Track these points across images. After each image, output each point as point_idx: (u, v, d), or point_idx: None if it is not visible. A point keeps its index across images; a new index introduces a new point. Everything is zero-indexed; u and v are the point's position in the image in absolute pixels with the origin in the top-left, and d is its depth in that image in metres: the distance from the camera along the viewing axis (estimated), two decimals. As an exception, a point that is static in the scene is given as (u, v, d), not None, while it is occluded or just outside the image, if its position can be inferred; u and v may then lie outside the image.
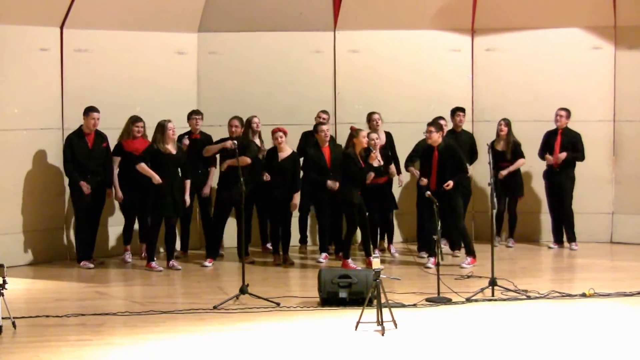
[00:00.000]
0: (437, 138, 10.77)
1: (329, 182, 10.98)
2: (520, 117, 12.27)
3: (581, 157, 11.88)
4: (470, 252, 10.90)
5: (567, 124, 11.86)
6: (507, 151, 11.94)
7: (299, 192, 11.13)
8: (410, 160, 11.45)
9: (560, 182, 11.87)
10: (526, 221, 12.41)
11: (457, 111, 11.96)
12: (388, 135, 11.64)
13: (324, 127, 11.25)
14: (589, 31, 12.43)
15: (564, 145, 11.80)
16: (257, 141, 11.64)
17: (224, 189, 11.01)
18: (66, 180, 11.16)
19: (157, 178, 10.55)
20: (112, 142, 11.21)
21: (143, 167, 10.61)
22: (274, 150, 11.11)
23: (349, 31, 12.47)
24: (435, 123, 10.96)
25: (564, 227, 12.01)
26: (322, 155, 11.17)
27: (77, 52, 11.48)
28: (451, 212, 10.70)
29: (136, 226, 11.43)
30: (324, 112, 11.75)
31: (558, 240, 12.07)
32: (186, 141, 11.29)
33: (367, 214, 10.81)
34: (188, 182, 10.87)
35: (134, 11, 11.65)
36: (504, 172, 11.90)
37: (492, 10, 12.48)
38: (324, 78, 12.51)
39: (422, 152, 11.13)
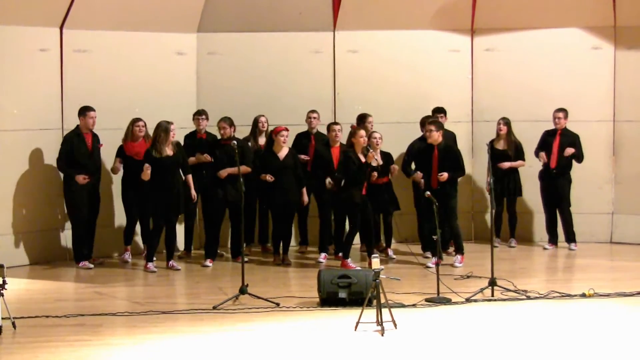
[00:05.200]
0: (437, 137, 10.74)
1: (328, 180, 10.96)
2: (519, 117, 12.26)
3: (581, 159, 11.86)
4: (461, 250, 10.89)
5: (566, 124, 11.85)
6: (508, 150, 11.92)
7: (305, 188, 11.11)
8: (408, 166, 11.28)
9: (557, 184, 11.84)
10: (525, 221, 12.40)
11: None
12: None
13: (336, 127, 11.20)
14: (588, 31, 12.42)
15: (563, 146, 11.78)
16: (263, 140, 11.59)
17: (217, 189, 10.99)
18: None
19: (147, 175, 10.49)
20: (111, 143, 11.20)
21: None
22: (270, 150, 11.06)
23: (349, 31, 12.45)
24: (436, 122, 10.93)
25: (562, 228, 11.98)
26: (330, 155, 11.12)
27: (76, 52, 11.48)
28: (448, 211, 10.69)
29: (138, 228, 11.42)
30: (314, 111, 11.71)
31: (553, 241, 12.04)
32: None
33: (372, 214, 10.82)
34: (190, 177, 10.84)
35: (133, 12, 11.63)
36: (505, 165, 11.81)
37: (492, 10, 12.47)
38: (324, 78, 12.49)
39: (417, 152, 11.09)
